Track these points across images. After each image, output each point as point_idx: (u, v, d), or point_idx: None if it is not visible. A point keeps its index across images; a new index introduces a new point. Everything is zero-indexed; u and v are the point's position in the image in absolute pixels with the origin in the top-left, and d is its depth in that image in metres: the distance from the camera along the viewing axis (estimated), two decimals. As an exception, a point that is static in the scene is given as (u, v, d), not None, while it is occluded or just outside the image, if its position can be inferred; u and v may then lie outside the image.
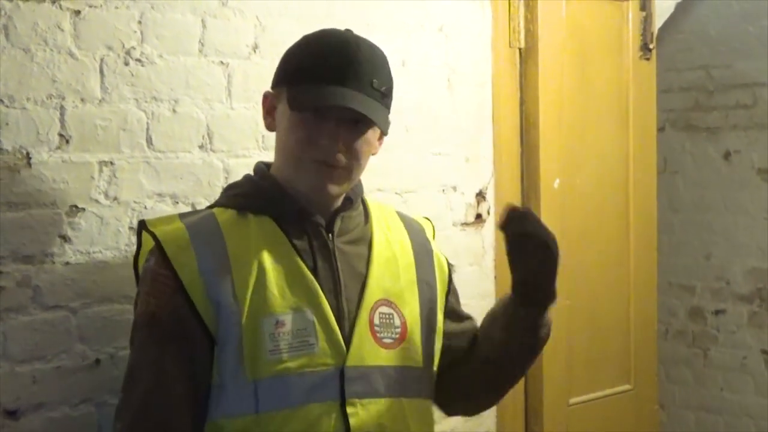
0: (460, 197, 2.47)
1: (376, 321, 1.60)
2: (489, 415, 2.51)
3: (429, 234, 1.79)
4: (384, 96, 1.59)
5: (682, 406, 4.27)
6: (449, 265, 1.79)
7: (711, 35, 4.01)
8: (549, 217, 2.60)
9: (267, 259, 1.55)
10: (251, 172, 1.68)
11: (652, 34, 2.88)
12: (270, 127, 1.64)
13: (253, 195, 1.63)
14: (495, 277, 2.56)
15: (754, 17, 3.85)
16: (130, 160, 1.82)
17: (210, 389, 1.53)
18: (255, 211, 1.60)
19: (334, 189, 1.58)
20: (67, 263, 1.74)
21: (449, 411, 1.88)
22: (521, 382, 2.60)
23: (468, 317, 1.82)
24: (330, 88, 1.53)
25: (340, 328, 1.56)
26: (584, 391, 2.74)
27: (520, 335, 1.69)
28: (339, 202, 1.64)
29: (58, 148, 1.73)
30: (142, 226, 1.60)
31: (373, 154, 1.66)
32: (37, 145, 1.70)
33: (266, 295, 1.53)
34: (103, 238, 1.78)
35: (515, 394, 2.61)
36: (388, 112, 1.62)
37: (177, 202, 1.87)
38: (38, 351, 1.72)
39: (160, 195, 1.86)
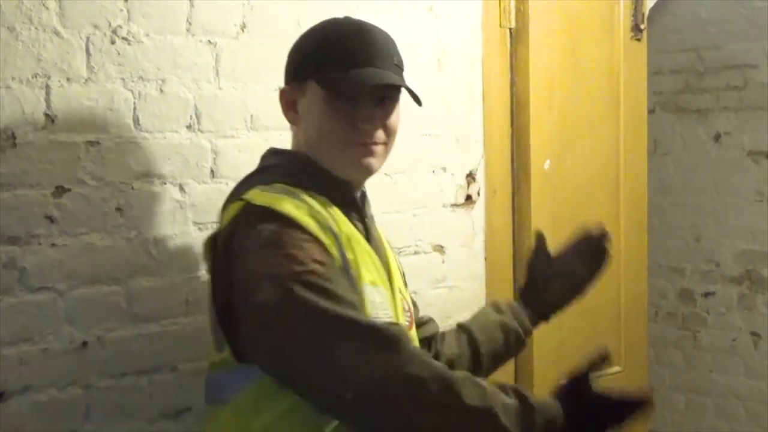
0: (450, 178, 2.46)
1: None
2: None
3: None
4: (402, 71, 1.64)
5: (671, 388, 4.28)
6: None
7: (701, 17, 4.00)
8: (539, 198, 2.60)
9: (352, 235, 1.57)
10: (275, 156, 1.66)
11: (642, 14, 2.87)
12: (294, 120, 1.65)
13: (306, 173, 1.59)
14: (485, 259, 2.56)
15: (744, -1, 3.84)
16: (117, 140, 1.80)
17: None
18: (311, 192, 1.56)
19: (376, 164, 1.63)
20: (54, 245, 1.73)
21: None
22: (511, 364, 2.61)
23: None
24: (366, 70, 1.56)
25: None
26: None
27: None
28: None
29: (44, 128, 1.71)
30: (233, 199, 1.56)
31: None
32: (22, 125, 1.68)
33: (360, 266, 1.55)
34: (90, 219, 1.76)
35: (505, 376, 2.60)
36: None
37: (164, 183, 1.85)
38: (25, 333, 1.70)
39: (147, 176, 1.84)
